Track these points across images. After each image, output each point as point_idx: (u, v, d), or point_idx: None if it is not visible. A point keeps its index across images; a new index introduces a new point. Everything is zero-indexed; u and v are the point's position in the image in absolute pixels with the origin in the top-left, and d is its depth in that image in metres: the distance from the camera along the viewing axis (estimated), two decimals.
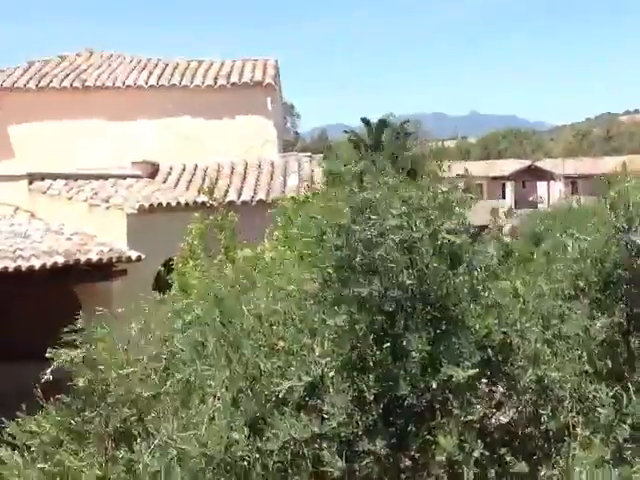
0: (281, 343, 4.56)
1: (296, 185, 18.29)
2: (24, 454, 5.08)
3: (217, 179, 19.02)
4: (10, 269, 12.80)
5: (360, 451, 4.35)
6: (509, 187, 57.87)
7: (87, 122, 21.17)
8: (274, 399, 4.35)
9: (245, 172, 19.96)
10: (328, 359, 4.37)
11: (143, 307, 5.65)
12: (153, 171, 19.70)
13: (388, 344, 4.43)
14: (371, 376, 4.40)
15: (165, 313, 5.46)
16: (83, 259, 13.90)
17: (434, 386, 4.31)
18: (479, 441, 4.16)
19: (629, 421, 4.23)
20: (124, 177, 18.20)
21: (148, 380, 4.90)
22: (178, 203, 16.85)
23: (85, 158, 19.79)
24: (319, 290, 4.71)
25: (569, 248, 4.94)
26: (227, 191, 18.44)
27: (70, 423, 5.00)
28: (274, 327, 4.74)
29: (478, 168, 61.10)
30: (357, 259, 4.45)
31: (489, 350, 4.50)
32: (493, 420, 4.83)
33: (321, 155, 22.46)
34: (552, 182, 56.33)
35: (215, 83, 21.83)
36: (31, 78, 22.07)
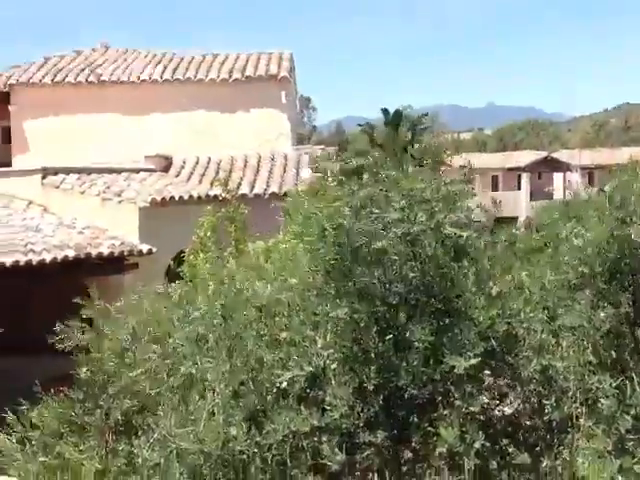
0: (283, 334, 4.54)
1: (309, 178, 18.24)
2: (25, 447, 5.10)
3: (230, 172, 19.00)
4: (21, 263, 12.85)
5: (361, 443, 4.33)
6: (524, 178, 57.47)
7: (102, 116, 21.21)
8: (275, 391, 4.34)
9: (258, 165, 19.93)
10: (330, 351, 4.35)
11: (147, 299, 5.63)
12: (166, 165, 19.70)
13: (390, 336, 4.40)
14: (372, 367, 4.38)
15: (168, 304, 5.45)
16: (94, 253, 13.93)
17: (436, 377, 4.28)
18: (480, 432, 4.13)
19: (632, 412, 4.18)
20: (137, 171, 18.22)
21: (149, 373, 4.89)
22: (190, 196, 16.84)
23: (99, 152, 19.83)
24: (322, 282, 4.69)
25: (573, 238, 4.89)
26: (240, 184, 18.42)
27: (71, 415, 5.00)
28: (277, 319, 4.72)
29: (494, 160, 60.78)
30: (359, 252, 4.43)
31: (493, 341, 4.46)
32: (497, 411, 4.79)
33: (336, 148, 22.40)
34: (568, 173, 55.94)
35: (230, 77, 21.79)
36: (47, 73, 22.12)
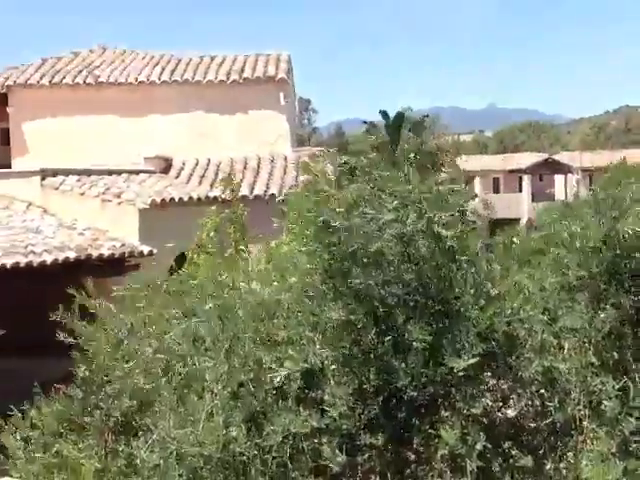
0: (282, 333, 4.49)
1: (305, 179, 18.21)
2: (26, 446, 5.08)
3: (230, 174, 18.99)
4: (22, 264, 12.85)
5: (362, 445, 4.29)
6: (526, 180, 57.55)
7: (100, 118, 21.23)
8: (274, 392, 4.30)
9: (258, 167, 19.95)
10: (329, 351, 4.31)
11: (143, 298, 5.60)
12: (166, 166, 19.71)
13: (389, 337, 4.36)
14: (372, 369, 4.33)
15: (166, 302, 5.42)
16: (95, 254, 13.94)
17: (436, 379, 4.24)
18: (482, 434, 4.09)
19: (636, 414, 4.14)
20: (137, 172, 18.23)
21: (144, 367, 4.85)
22: (190, 198, 16.85)
23: (98, 154, 19.83)
24: (320, 283, 4.65)
25: (572, 239, 4.86)
26: (240, 186, 18.41)
27: (70, 414, 4.98)
28: (275, 320, 4.68)
29: (495, 162, 60.85)
30: (356, 254, 4.38)
31: (493, 342, 4.42)
32: (499, 414, 4.75)
33: (335, 149, 22.35)
34: (569, 175, 55.96)
35: (228, 78, 21.81)
36: (44, 75, 22.13)
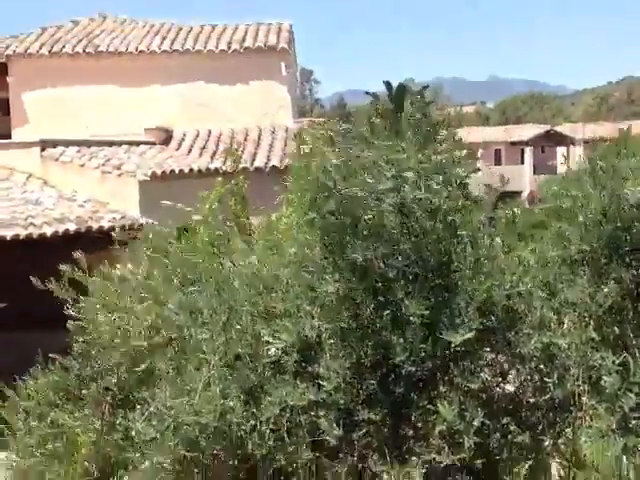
0: (279, 306, 4.46)
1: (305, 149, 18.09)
2: (26, 418, 5.09)
3: (232, 145, 18.89)
4: (21, 236, 12.81)
5: (359, 420, 4.27)
6: (528, 152, 57.30)
7: (100, 88, 21.05)
8: (271, 365, 4.28)
9: (259, 138, 19.82)
10: (326, 325, 4.28)
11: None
12: (166, 137, 19.59)
13: (388, 311, 4.33)
14: (370, 343, 4.31)
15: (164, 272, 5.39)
16: (95, 226, 13.88)
17: (435, 354, 4.21)
18: (480, 410, 4.06)
19: (636, 390, 4.11)
20: (137, 144, 18.12)
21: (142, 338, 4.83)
22: (191, 170, 16.76)
23: (98, 124, 19.72)
24: (319, 256, 4.61)
25: (574, 212, 4.81)
26: (240, 157, 18.31)
27: (68, 385, 4.97)
28: (273, 294, 4.65)
29: (497, 133, 60.54)
30: (354, 224, 4.33)
31: (492, 317, 4.38)
32: (498, 389, 4.73)
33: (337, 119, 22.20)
34: (572, 147, 55.71)
35: (229, 48, 21.60)
36: (44, 44, 21.92)
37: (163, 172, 16.05)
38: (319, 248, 4.60)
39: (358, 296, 4.37)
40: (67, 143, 16.89)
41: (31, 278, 6.22)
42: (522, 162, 57.50)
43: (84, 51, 21.59)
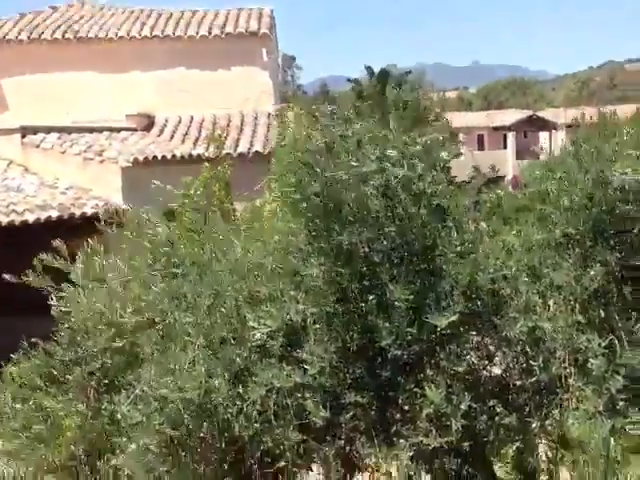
0: (263, 290, 4.43)
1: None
2: (7, 401, 5.06)
3: (216, 131, 18.79)
4: (3, 224, 12.71)
5: (346, 403, 4.26)
6: (510, 137, 57.42)
7: (80, 74, 20.88)
8: (257, 349, 4.25)
9: (242, 124, 19.74)
10: (311, 309, 4.25)
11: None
12: (148, 123, 19.46)
13: (373, 296, 4.31)
14: (356, 327, 4.29)
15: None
16: (78, 213, 13.79)
17: (421, 337, 4.20)
18: (467, 394, 4.07)
19: (622, 372, 4.12)
20: (118, 130, 17.99)
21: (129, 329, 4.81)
22: (174, 156, 16.67)
23: (79, 111, 19.55)
24: (304, 241, 4.58)
25: (558, 196, 4.81)
26: (224, 142, 18.22)
27: (52, 367, 4.94)
28: (258, 279, 4.62)
29: (479, 119, 60.64)
30: (339, 207, 4.30)
31: (478, 301, 4.38)
32: (485, 371, 4.73)
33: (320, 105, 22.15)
34: (554, 132, 55.87)
35: (209, 33, 21.46)
36: (22, 30, 21.70)
37: (145, 158, 15.95)
38: (303, 234, 4.57)
39: (343, 280, 4.35)
40: (48, 129, 16.75)
41: (10, 269, 6.17)
42: (505, 147, 57.64)
43: (63, 37, 21.40)
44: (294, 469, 4.34)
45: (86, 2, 24.18)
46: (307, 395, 4.14)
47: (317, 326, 4.28)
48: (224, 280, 4.48)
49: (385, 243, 4.37)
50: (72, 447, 4.73)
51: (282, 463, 4.25)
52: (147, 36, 21.39)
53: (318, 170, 4.27)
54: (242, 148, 18.12)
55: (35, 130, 16.62)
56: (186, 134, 19.23)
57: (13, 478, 4.96)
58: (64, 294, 5.47)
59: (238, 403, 4.14)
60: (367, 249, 4.37)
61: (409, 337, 4.23)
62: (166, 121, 19.86)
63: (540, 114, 60.32)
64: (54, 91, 20.50)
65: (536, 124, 58.63)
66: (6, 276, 6.03)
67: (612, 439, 3.94)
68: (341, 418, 4.29)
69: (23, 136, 16.31)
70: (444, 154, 4.59)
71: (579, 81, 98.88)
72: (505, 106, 75.82)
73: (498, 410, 4.43)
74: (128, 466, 4.26)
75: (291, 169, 4.51)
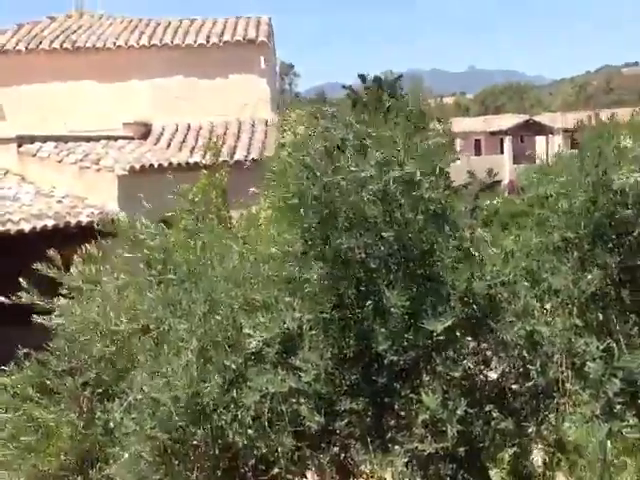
0: (258, 297, 4.40)
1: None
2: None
3: (212, 138, 18.79)
4: None
5: (342, 410, 4.23)
6: (507, 142, 57.48)
7: (78, 83, 20.90)
8: (252, 356, 4.22)
9: (239, 131, 19.74)
10: (307, 316, 4.22)
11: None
12: (145, 132, 19.47)
13: (370, 301, 4.28)
14: (352, 334, 4.26)
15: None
16: (73, 222, 13.75)
17: (418, 343, 4.17)
18: (463, 398, 4.03)
19: (620, 375, 4.08)
20: (115, 138, 17.97)
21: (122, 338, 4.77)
22: (170, 164, 16.63)
23: (76, 120, 19.55)
24: (301, 249, 4.54)
25: (557, 200, 4.77)
26: (220, 150, 18.21)
27: (46, 378, 4.91)
28: (253, 287, 4.58)
29: (476, 124, 60.72)
30: (337, 211, 4.28)
31: (474, 306, 4.35)
32: (481, 376, 4.70)
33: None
34: (551, 136, 55.95)
35: (207, 42, 21.50)
36: (20, 40, 21.74)
37: (142, 166, 15.92)
38: (300, 239, 4.53)
39: (340, 286, 4.33)
40: (44, 139, 16.72)
41: (5, 278, 6.14)
42: (502, 152, 57.70)
43: (61, 47, 21.43)
44: (288, 476, 4.30)
45: (84, 12, 24.23)
46: (302, 401, 4.11)
47: (313, 332, 4.24)
48: (219, 287, 4.45)
49: (382, 248, 4.34)
50: (63, 457, 4.69)
51: (276, 470, 4.21)
52: (145, 45, 21.42)
53: (318, 174, 4.25)
54: (239, 155, 18.12)
55: (32, 139, 16.59)
56: (183, 142, 19.24)
57: None
58: (58, 304, 5.44)
59: (232, 409, 4.10)
60: (364, 254, 4.35)
61: (405, 343, 4.21)
62: (163, 129, 19.87)
63: (537, 119, 60.45)
64: (52, 101, 20.52)
65: (533, 129, 58.73)
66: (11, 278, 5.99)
67: (609, 443, 3.90)
68: (336, 425, 4.26)
69: (20, 145, 16.29)
70: (442, 159, 4.57)
71: (576, 85, 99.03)
72: (502, 111, 75.95)
73: (494, 415, 4.40)
74: (120, 475, 4.22)
75: (290, 173, 4.49)
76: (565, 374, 4.36)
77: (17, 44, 21.55)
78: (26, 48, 21.42)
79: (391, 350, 4.13)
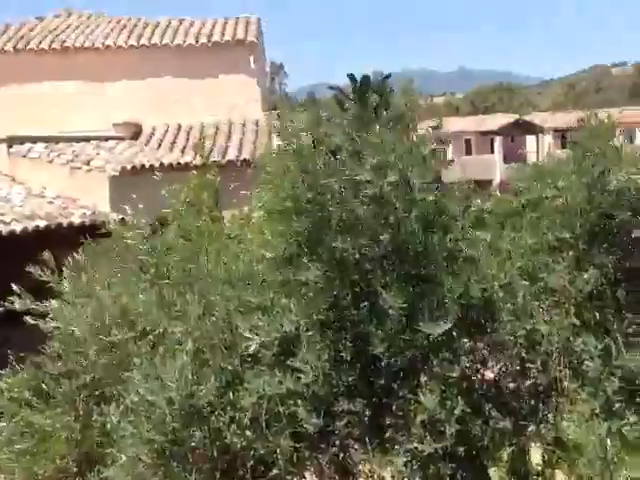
0: (254, 300, 4.37)
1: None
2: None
3: (202, 138, 18.73)
4: None
5: (339, 411, 4.21)
6: (498, 142, 57.56)
7: (67, 84, 20.79)
8: (248, 357, 4.20)
9: (230, 132, 19.69)
10: (304, 319, 4.20)
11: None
12: (136, 132, 19.40)
13: (366, 303, 4.27)
14: (349, 336, 4.25)
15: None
16: (65, 222, 13.68)
17: (414, 344, 4.16)
18: (461, 398, 4.03)
19: (618, 373, 4.09)
20: (106, 139, 17.90)
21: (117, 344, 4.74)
22: (161, 164, 16.57)
23: (66, 120, 19.46)
24: (296, 251, 4.52)
25: (552, 200, 4.78)
26: (211, 151, 18.16)
27: (43, 381, 4.87)
28: (249, 289, 4.56)
29: (466, 124, 60.76)
30: (332, 214, 4.27)
31: (471, 307, 4.34)
32: (479, 376, 4.69)
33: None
34: (541, 136, 56.05)
35: (197, 42, 21.43)
36: (8, 40, 21.60)
37: (133, 167, 15.86)
38: (295, 241, 4.51)
39: (335, 288, 4.31)
40: (35, 139, 16.65)
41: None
42: (492, 151, 57.77)
43: (50, 47, 21.30)
44: (287, 477, 4.28)
45: (72, 12, 24.10)
46: (300, 402, 4.09)
47: (310, 334, 4.22)
48: (214, 289, 4.43)
49: (377, 250, 4.33)
50: (60, 460, 4.66)
51: (275, 471, 4.19)
52: (134, 45, 21.32)
53: (313, 177, 4.24)
54: (230, 155, 18.06)
55: (22, 140, 16.52)
56: (174, 142, 19.17)
57: None
58: (53, 306, 5.40)
59: (229, 411, 4.08)
60: (359, 256, 4.34)
61: (402, 344, 4.20)
62: (153, 130, 19.80)
63: (527, 118, 60.53)
64: (41, 101, 20.41)
65: (523, 128, 58.82)
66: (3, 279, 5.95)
67: (608, 441, 3.91)
68: (335, 425, 4.24)
69: (10, 146, 16.21)
70: (435, 162, 4.57)
71: (565, 85, 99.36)
72: (492, 111, 76.06)
73: (493, 414, 4.39)
74: (118, 478, 4.19)
75: (284, 176, 4.48)
76: (563, 373, 4.36)
77: (5, 44, 21.41)
78: (14, 48, 21.29)
79: (388, 352, 4.13)
